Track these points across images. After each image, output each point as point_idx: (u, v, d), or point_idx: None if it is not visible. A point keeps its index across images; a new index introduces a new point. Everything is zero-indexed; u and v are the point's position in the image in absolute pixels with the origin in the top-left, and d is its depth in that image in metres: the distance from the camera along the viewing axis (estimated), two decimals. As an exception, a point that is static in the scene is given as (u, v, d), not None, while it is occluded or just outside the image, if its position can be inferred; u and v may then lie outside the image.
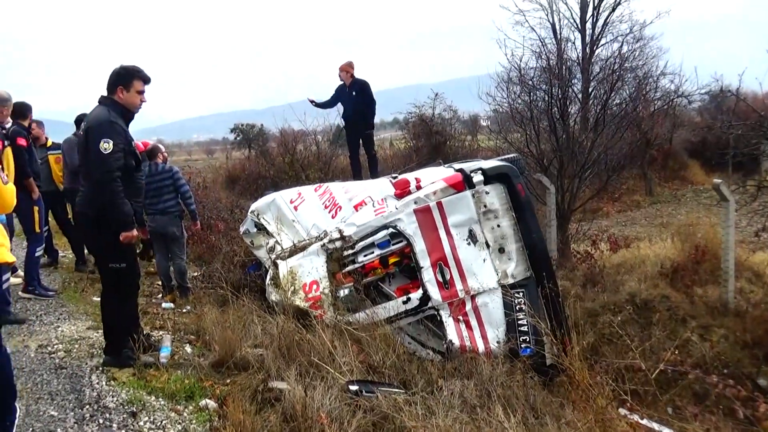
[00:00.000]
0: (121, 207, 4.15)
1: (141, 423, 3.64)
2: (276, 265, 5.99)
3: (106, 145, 4.04)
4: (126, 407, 3.79)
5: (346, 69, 9.21)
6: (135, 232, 4.30)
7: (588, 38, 20.22)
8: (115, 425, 3.56)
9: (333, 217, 6.27)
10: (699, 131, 20.73)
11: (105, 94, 4.34)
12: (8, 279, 5.53)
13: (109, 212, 4.16)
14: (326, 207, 6.46)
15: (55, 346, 4.89)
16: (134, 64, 4.41)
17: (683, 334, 6.15)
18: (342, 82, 9.30)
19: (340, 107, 9.89)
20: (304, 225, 6.39)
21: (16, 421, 3.24)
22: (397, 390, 4.25)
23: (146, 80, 4.38)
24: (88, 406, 3.79)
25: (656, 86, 11.36)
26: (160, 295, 7.05)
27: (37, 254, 6.40)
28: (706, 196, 16.19)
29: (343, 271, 5.68)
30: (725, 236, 6.90)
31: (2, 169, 5.40)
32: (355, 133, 9.65)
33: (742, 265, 7.45)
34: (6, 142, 5.62)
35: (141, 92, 4.36)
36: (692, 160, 20.95)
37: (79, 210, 4.44)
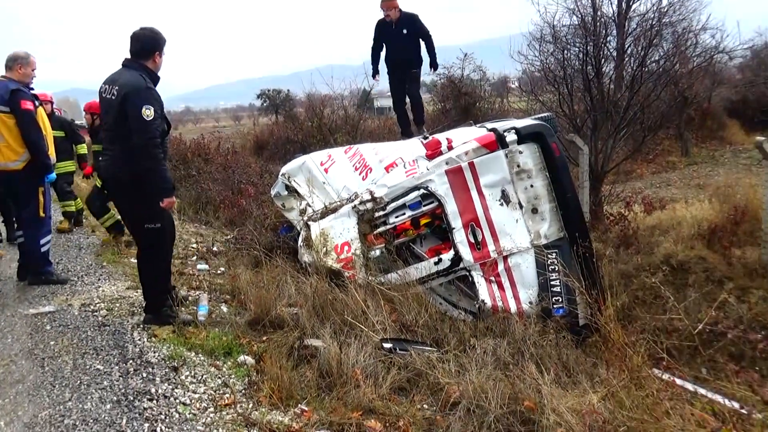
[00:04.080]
0: (163, 173, 4.19)
1: (182, 377, 3.76)
2: (308, 227, 6.04)
3: (149, 112, 4.03)
4: (168, 362, 3.92)
5: (393, 5, 8.03)
6: (174, 198, 4.36)
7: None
8: (158, 378, 3.69)
9: (364, 179, 6.26)
10: (740, 89, 19.95)
11: (130, 57, 4.29)
12: (48, 242, 5.71)
13: (152, 178, 4.17)
14: (357, 169, 6.45)
15: (97, 305, 5.04)
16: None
17: (720, 296, 6.03)
18: (384, 19, 8.16)
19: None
20: (334, 187, 6.40)
21: None
22: (430, 348, 4.29)
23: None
24: (131, 361, 3.92)
25: (696, 42, 10.87)
26: (195, 258, 7.20)
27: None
28: (745, 157, 15.67)
29: (375, 232, 5.70)
30: (766, 196, 6.69)
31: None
32: (402, 78, 8.50)
33: (784, 225, 7.22)
34: (36, 103, 5.52)
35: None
36: (731, 119, 20.17)
37: (108, 174, 4.44)
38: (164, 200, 4.24)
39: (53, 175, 5.52)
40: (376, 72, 8.63)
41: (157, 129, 4.11)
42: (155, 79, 4.33)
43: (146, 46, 4.28)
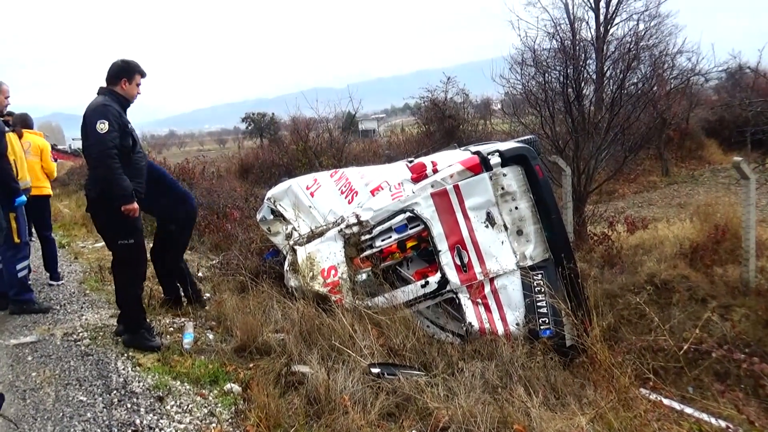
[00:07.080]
0: (119, 182, 4.30)
1: (168, 407, 3.70)
2: (294, 251, 6.02)
3: (102, 126, 4.25)
4: (152, 392, 3.85)
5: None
6: (136, 205, 4.40)
7: (602, 17, 19.92)
8: (143, 409, 3.62)
9: (350, 203, 6.28)
10: (717, 110, 20.42)
11: (104, 85, 4.57)
12: (25, 267, 5.62)
13: (109, 188, 4.32)
14: (342, 192, 6.46)
15: (80, 334, 4.96)
16: (134, 60, 4.73)
17: (703, 314, 6.09)
18: None
19: None
20: (320, 211, 6.41)
21: None
22: (418, 372, 4.28)
23: (144, 75, 4.71)
24: (115, 391, 3.85)
25: (672, 64, 11.17)
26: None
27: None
28: (724, 176, 15.97)
29: (361, 256, 5.69)
30: (746, 215, 6.81)
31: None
32: None
33: (763, 244, 7.34)
34: (5, 129, 5.43)
35: (139, 85, 4.68)
36: (709, 139, 20.63)
37: (87, 194, 4.61)
38: (123, 207, 4.33)
39: (23, 198, 5.47)
40: None
41: (112, 141, 4.29)
42: (123, 102, 4.56)
43: (113, 72, 4.57)
